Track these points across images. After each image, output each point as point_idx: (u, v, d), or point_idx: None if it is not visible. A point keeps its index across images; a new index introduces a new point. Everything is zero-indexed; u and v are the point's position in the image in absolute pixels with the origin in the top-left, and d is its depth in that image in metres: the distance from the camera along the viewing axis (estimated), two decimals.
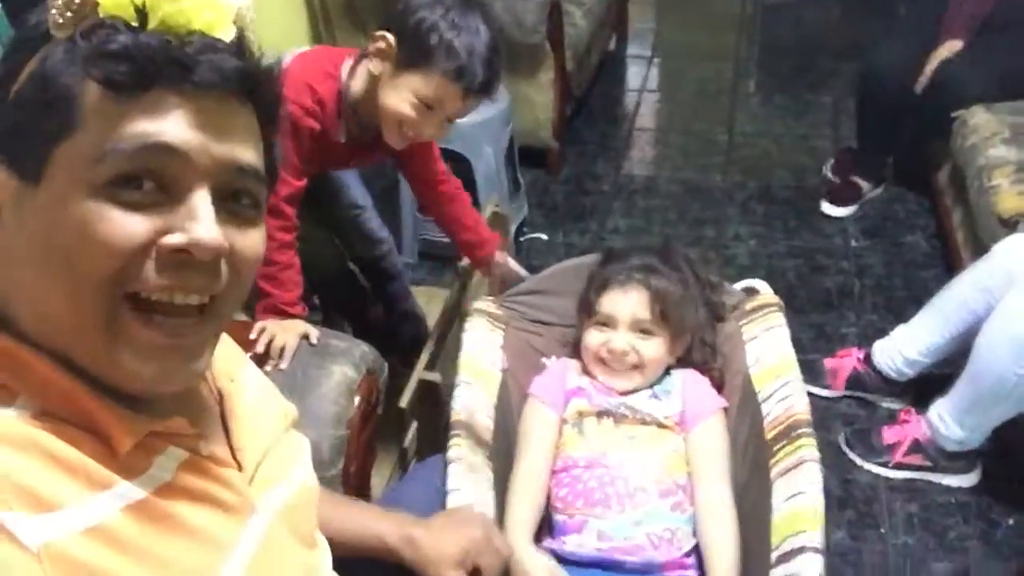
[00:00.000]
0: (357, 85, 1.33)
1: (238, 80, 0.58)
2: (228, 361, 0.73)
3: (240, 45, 0.58)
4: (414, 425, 1.49)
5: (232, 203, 0.59)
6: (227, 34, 0.57)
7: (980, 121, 2.16)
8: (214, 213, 0.56)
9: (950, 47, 2.30)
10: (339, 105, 1.33)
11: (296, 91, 1.30)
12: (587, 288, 1.37)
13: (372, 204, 1.82)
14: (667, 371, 1.34)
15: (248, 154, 0.59)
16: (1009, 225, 1.87)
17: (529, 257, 2.41)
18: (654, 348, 1.30)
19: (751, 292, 1.46)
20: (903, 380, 1.89)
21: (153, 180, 0.55)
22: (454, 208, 1.58)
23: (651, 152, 3.05)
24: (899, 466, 1.77)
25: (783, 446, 1.18)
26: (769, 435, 1.22)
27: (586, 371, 1.34)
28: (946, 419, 1.70)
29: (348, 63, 1.34)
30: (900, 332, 1.89)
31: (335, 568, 0.80)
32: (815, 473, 1.12)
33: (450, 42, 1.23)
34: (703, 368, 1.36)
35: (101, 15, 0.54)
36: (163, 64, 0.54)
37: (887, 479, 1.78)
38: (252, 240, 0.60)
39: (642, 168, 2.91)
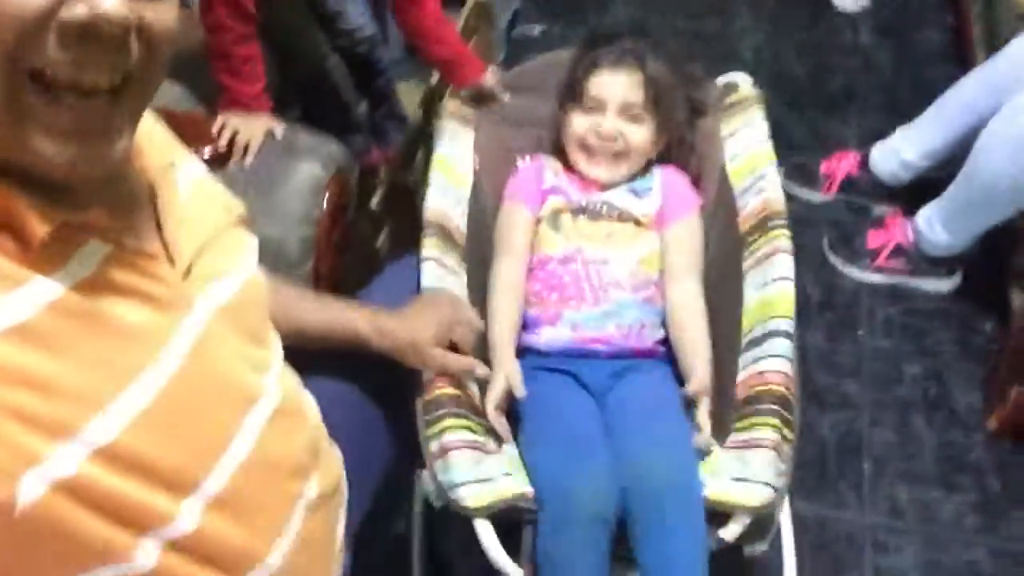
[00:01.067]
0: None
1: None
2: (162, 153, 0.69)
3: None
4: (387, 228, 1.47)
5: None
6: None
7: None
8: None
9: None
10: None
11: None
12: (572, 71, 1.30)
13: None
14: (647, 168, 1.30)
15: None
16: None
17: (521, 52, 2.29)
18: (641, 135, 1.26)
19: (731, 87, 1.40)
20: (897, 184, 1.85)
21: None
22: (427, 16, 1.42)
23: None
24: (879, 269, 1.77)
25: (756, 238, 1.19)
26: (744, 228, 1.22)
27: (565, 167, 1.30)
28: (933, 223, 1.67)
29: None
30: (900, 134, 1.83)
31: (299, 364, 0.80)
32: (787, 263, 1.13)
33: None
34: (680, 166, 1.32)
35: None
36: None
37: (870, 284, 1.77)
38: (163, 14, 0.55)
39: None
